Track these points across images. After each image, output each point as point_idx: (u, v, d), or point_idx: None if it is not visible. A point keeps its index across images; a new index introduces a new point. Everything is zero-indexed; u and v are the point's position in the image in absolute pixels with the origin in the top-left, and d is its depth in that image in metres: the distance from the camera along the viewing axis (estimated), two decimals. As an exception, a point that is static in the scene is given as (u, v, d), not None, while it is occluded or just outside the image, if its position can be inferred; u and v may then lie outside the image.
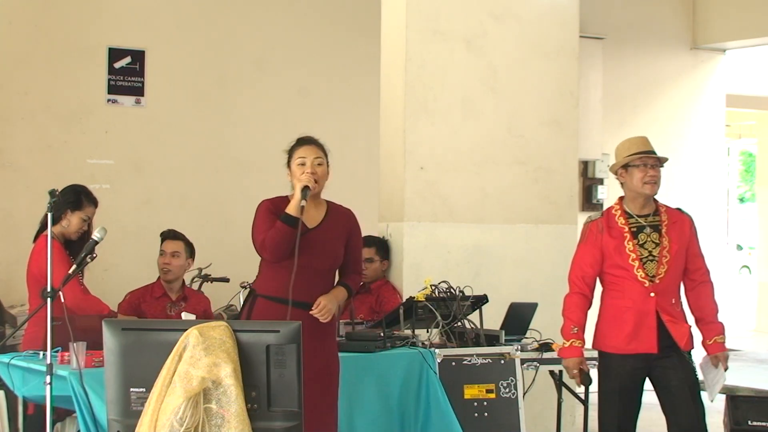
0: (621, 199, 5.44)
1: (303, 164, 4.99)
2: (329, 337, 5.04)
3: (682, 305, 5.43)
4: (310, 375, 4.71)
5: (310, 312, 4.86)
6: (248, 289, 5.06)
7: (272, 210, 4.99)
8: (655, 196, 5.41)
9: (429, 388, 5.61)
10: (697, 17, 10.92)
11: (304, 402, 4.55)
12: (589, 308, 5.49)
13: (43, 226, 5.94)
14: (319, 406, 4.86)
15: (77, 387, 4.66)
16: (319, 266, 4.95)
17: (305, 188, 4.89)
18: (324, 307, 4.90)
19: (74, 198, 5.80)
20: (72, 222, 5.82)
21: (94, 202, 5.95)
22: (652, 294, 5.29)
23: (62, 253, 5.72)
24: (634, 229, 5.35)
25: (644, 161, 5.31)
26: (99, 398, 4.55)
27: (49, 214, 4.93)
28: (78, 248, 5.82)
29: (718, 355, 5.39)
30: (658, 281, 5.30)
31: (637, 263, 5.31)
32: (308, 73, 9.17)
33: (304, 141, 5.09)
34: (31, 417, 5.31)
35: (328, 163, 5.08)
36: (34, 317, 5.28)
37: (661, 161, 5.38)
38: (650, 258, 5.31)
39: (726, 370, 5.44)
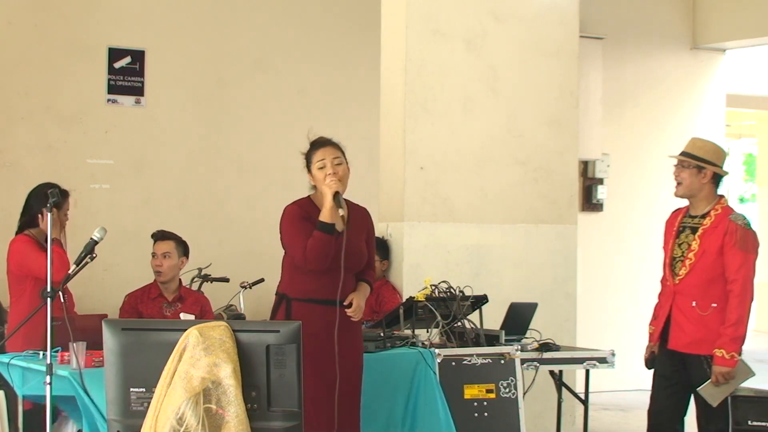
0: None
1: (323, 167, 4.99)
2: (358, 333, 5.15)
3: (714, 309, 5.44)
4: (340, 371, 4.86)
5: (347, 312, 4.96)
6: (278, 296, 5.05)
7: (302, 216, 4.99)
8: (724, 197, 5.59)
9: (428, 388, 5.60)
10: (697, 17, 10.91)
11: (334, 396, 4.62)
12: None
13: (23, 225, 6.00)
14: (346, 400, 4.97)
15: (79, 387, 4.66)
16: (349, 266, 5.02)
17: (337, 194, 4.91)
18: (357, 306, 5.02)
19: (38, 198, 5.87)
20: (56, 220, 5.87)
21: (66, 195, 6.06)
22: (674, 293, 5.46)
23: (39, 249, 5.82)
24: (680, 229, 5.54)
25: (674, 163, 5.59)
26: (99, 398, 4.55)
27: (49, 215, 4.92)
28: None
29: (714, 368, 5.40)
30: (678, 281, 5.45)
31: (668, 261, 5.53)
32: (308, 73, 9.17)
33: (320, 143, 5.08)
34: (28, 413, 5.32)
35: (346, 160, 5.09)
36: (22, 316, 5.37)
37: (687, 162, 5.51)
38: (680, 258, 5.47)
39: (716, 384, 5.40)
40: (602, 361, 6.14)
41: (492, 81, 7.26)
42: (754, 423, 5.80)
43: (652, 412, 5.69)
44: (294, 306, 4.96)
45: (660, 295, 5.70)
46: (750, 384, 5.67)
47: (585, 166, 10.23)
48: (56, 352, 4.87)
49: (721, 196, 5.55)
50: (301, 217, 4.97)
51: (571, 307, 7.43)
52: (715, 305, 5.41)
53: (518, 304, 6.46)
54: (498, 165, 7.26)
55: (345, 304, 5.00)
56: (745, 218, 5.49)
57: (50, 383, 4.53)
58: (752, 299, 5.42)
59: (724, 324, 5.37)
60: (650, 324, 5.74)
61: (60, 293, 4.73)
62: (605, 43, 10.09)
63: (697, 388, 5.43)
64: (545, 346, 6.19)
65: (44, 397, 4.57)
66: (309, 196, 5.13)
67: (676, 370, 5.55)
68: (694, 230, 5.47)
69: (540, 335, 6.32)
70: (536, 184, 7.36)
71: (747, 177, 23.82)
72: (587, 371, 6.34)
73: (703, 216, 5.48)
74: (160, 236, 6.62)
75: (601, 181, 10.32)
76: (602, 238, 10.03)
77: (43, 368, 4.60)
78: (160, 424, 3.58)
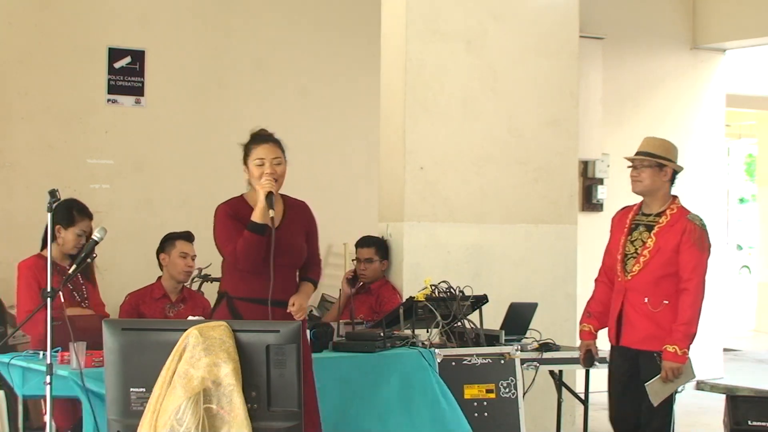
0: None
1: (261, 165, 4.94)
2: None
3: (665, 306, 5.44)
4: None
5: (288, 311, 4.89)
6: (220, 295, 5.01)
7: (232, 215, 4.96)
8: (678, 197, 5.59)
9: (430, 387, 5.60)
10: (697, 17, 10.92)
11: None
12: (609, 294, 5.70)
13: (43, 243, 5.85)
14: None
15: (79, 387, 4.66)
16: (286, 263, 4.97)
17: (269, 194, 4.86)
18: (300, 307, 4.94)
19: (65, 214, 5.72)
20: (66, 239, 5.74)
21: (88, 215, 5.84)
22: (626, 289, 5.48)
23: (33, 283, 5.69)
24: (633, 226, 5.57)
25: (632, 162, 5.61)
26: (99, 398, 4.55)
27: (49, 215, 4.92)
28: (86, 270, 5.85)
29: (664, 363, 5.35)
30: (630, 278, 5.47)
31: (619, 257, 5.55)
32: (308, 73, 9.17)
33: (261, 139, 5.02)
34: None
35: (285, 159, 5.03)
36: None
37: (648, 160, 5.54)
38: (633, 255, 5.50)
39: (666, 381, 5.36)
40: (602, 361, 6.13)
41: (492, 81, 7.26)
42: (754, 423, 5.80)
43: (616, 420, 5.60)
44: (237, 305, 4.90)
45: (598, 292, 5.73)
46: (750, 384, 5.67)
47: (585, 166, 10.23)
48: (56, 352, 4.87)
49: (675, 196, 5.60)
50: (230, 216, 4.95)
51: (571, 307, 7.42)
52: (666, 302, 5.42)
53: (518, 304, 6.47)
54: (498, 165, 7.26)
55: (290, 305, 4.93)
56: (701, 219, 5.53)
57: (50, 383, 4.53)
58: (703, 298, 5.43)
59: (677, 321, 5.36)
60: (584, 322, 5.73)
61: (60, 294, 4.72)
62: (605, 43, 10.09)
63: (645, 384, 5.40)
64: (545, 346, 6.19)
65: (44, 397, 4.57)
66: (242, 194, 5.07)
67: (633, 371, 5.50)
68: (648, 228, 5.49)
69: (540, 335, 6.32)
70: (536, 184, 7.36)
71: (747, 177, 23.83)
72: (587, 371, 6.33)
73: (659, 214, 5.51)
74: (192, 238, 6.58)
75: (601, 181, 10.33)
76: (602, 238, 9.99)
77: (43, 368, 4.60)
78: (160, 424, 3.58)
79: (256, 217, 4.85)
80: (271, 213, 4.83)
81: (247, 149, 5.01)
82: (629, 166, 5.61)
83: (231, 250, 4.89)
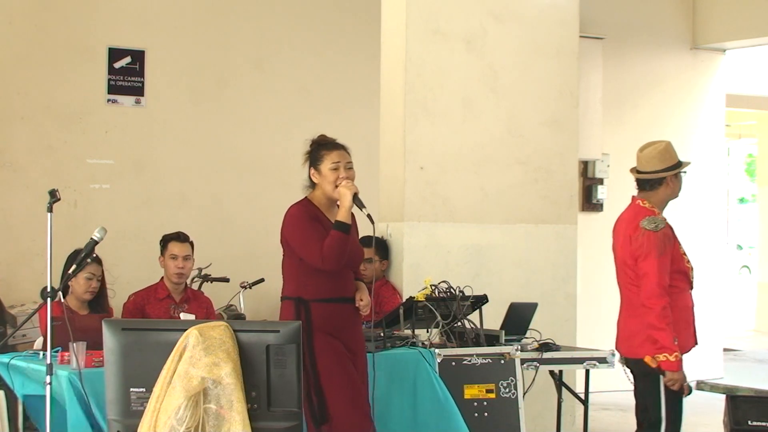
0: (649, 202, 5.33)
1: (336, 168, 5.09)
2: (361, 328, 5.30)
3: None
4: (362, 362, 5.05)
5: (360, 308, 5.09)
6: (292, 300, 5.01)
7: (310, 217, 5.04)
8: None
9: (429, 387, 5.61)
10: (697, 17, 10.92)
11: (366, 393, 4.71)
12: None
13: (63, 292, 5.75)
14: (365, 390, 5.07)
15: (75, 386, 4.66)
16: (354, 262, 5.16)
17: (356, 195, 5.03)
18: (367, 302, 5.13)
19: (71, 263, 5.65)
20: (76, 285, 5.77)
21: (96, 260, 5.75)
22: (692, 291, 5.32)
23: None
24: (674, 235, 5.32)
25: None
26: (97, 398, 4.55)
27: (49, 214, 4.91)
28: (98, 305, 5.87)
29: None
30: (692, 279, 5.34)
31: (690, 266, 5.30)
32: (309, 73, 9.17)
33: (333, 145, 5.18)
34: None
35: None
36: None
37: None
38: (688, 263, 5.33)
39: None
40: (602, 361, 6.14)
41: (492, 81, 7.26)
42: (754, 423, 5.80)
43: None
44: (313, 307, 4.97)
45: (670, 315, 5.10)
46: (750, 384, 5.65)
47: (585, 166, 10.23)
48: (56, 352, 4.87)
49: None
50: (309, 218, 5.02)
51: (571, 307, 7.43)
52: None
53: (518, 304, 6.47)
54: (498, 165, 7.26)
55: (357, 301, 5.09)
56: None
57: (50, 383, 4.53)
58: None
59: None
60: (676, 350, 5.08)
61: (60, 293, 4.72)
62: (605, 43, 10.09)
63: None
64: (545, 346, 6.19)
65: (44, 397, 4.57)
66: (306, 197, 5.16)
67: None
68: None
69: (540, 335, 6.32)
70: (536, 184, 7.36)
71: (747, 177, 23.83)
72: (587, 371, 6.34)
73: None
74: (182, 238, 6.52)
75: (601, 181, 10.32)
76: (602, 238, 9.98)
77: (43, 368, 4.60)
78: (160, 424, 3.59)
79: (343, 216, 4.98)
80: (366, 211, 5.01)
81: (318, 154, 5.14)
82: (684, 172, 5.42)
83: (318, 252, 4.93)
